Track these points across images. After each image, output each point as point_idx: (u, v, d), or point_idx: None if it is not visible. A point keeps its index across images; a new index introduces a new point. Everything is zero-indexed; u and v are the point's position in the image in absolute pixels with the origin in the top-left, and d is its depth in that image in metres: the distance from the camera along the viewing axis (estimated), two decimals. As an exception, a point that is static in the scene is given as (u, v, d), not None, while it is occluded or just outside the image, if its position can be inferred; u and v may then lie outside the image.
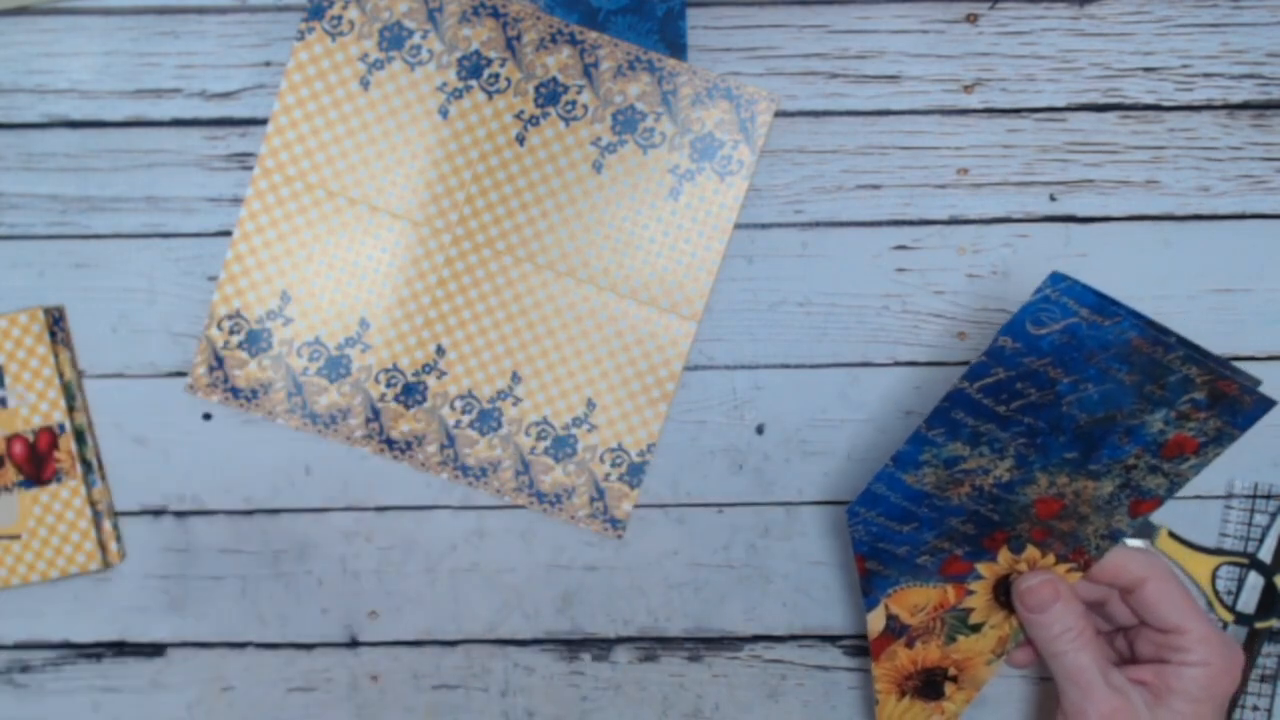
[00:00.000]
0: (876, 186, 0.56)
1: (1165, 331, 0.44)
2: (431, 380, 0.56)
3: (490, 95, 0.55)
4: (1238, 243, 0.56)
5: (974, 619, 0.52)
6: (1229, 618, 0.56)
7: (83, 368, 0.56)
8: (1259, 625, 0.55)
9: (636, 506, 0.56)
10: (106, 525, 0.55)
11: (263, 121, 0.55)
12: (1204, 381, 0.45)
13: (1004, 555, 0.51)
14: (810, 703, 0.57)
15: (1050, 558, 0.51)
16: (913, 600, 0.52)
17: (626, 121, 0.55)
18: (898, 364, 0.56)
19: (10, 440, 0.54)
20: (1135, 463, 0.48)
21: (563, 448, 0.56)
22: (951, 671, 0.53)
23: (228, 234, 0.56)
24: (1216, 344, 0.56)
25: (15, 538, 0.55)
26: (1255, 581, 0.56)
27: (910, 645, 0.53)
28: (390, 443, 0.56)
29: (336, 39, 0.55)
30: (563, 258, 0.55)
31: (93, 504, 0.55)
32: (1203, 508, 0.57)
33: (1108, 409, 0.46)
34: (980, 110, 0.55)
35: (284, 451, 0.56)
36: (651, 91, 0.54)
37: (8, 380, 0.54)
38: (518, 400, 0.55)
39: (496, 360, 0.55)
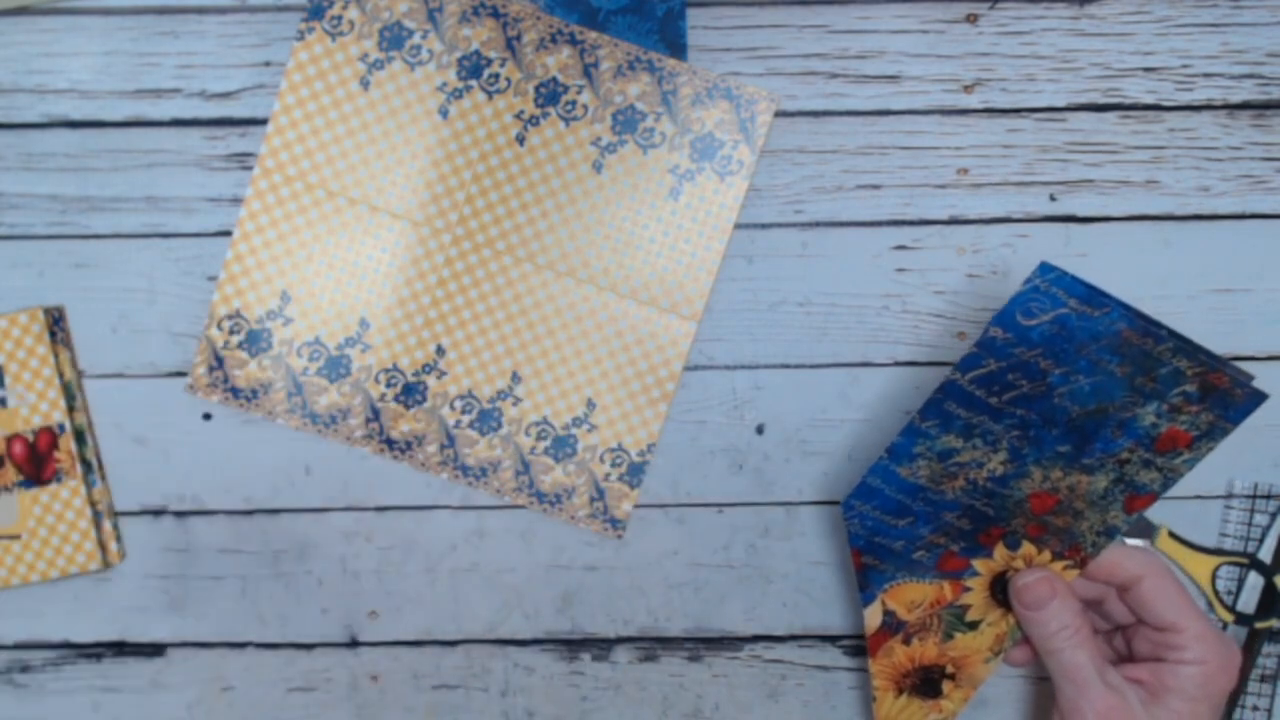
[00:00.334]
0: (876, 186, 0.56)
1: (1155, 323, 0.44)
2: (431, 380, 0.56)
3: (490, 95, 0.55)
4: (1238, 243, 0.56)
5: (971, 616, 0.52)
6: (1229, 618, 0.56)
7: (83, 368, 0.56)
8: (1259, 625, 0.55)
9: (636, 506, 0.56)
10: (106, 525, 0.55)
11: (263, 121, 0.55)
12: (1195, 374, 0.45)
13: (1000, 552, 0.51)
14: (810, 703, 0.57)
15: (1046, 554, 0.51)
16: (909, 596, 0.52)
17: (626, 121, 0.55)
18: (898, 364, 0.56)
19: (10, 440, 0.54)
20: (1129, 457, 0.48)
21: (563, 448, 0.56)
22: (949, 669, 0.53)
23: (228, 234, 0.56)
24: (1216, 344, 0.56)
25: (15, 538, 0.55)
26: (1255, 581, 0.56)
27: (907, 642, 0.53)
28: (390, 443, 0.56)
29: (336, 39, 0.55)
30: (563, 258, 0.55)
31: (93, 504, 0.55)
32: (1203, 508, 0.57)
33: (1099, 401, 0.46)
34: (980, 110, 0.55)
35: (284, 451, 0.56)
36: (651, 91, 0.54)
37: (8, 380, 0.54)
38: (518, 400, 0.55)
39: (496, 360, 0.55)
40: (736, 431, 0.56)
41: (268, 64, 0.55)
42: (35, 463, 0.54)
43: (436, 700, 0.57)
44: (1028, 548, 0.51)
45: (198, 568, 0.57)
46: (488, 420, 0.56)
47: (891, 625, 0.53)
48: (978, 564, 0.52)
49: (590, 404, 0.55)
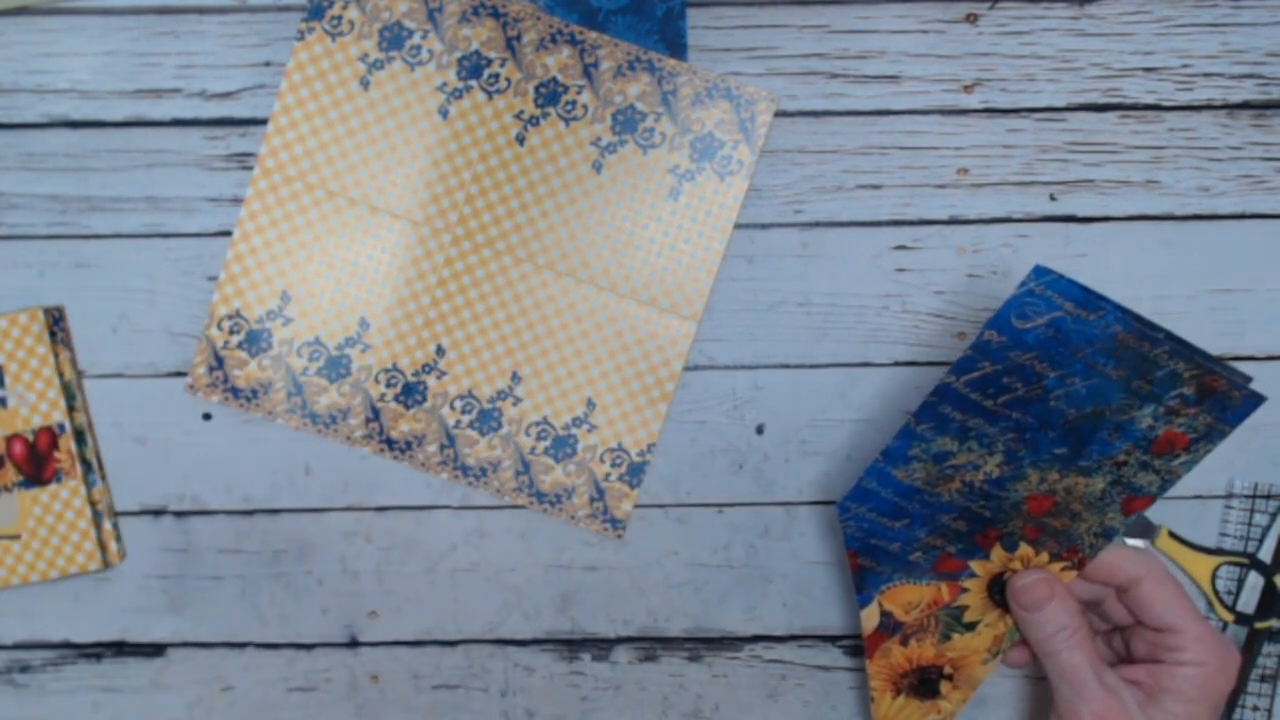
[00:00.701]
0: (876, 186, 0.56)
1: (1152, 326, 0.44)
2: (431, 380, 0.56)
3: (490, 95, 0.55)
4: (1238, 243, 0.56)
5: (968, 617, 0.52)
6: (1229, 618, 0.56)
7: (83, 368, 0.56)
8: (1259, 625, 0.55)
9: (636, 506, 0.56)
10: (106, 525, 0.55)
11: (263, 121, 0.55)
12: (1192, 376, 0.45)
13: (997, 553, 0.51)
14: (810, 703, 0.57)
15: (1044, 556, 0.51)
16: (906, 597, 0.52)
17: (626, 121, 0.55)
18: (897, 364, 0.56)
19: (10, 440, 0.54)
20: (1126, 459, 0.48)
21: (563, 448, 0.56)
22: (947, 670, 0.53)
23: (228, 234, 0.56)
24: (1216, 344, 0.56)
25: (15, 538, 0.55)
26: (1255, 581, 0.56)
27: (905, 643, 0.53)
28: (390, 443, 0.56)
29: (336, 39, 0.55)
30: (563, 258, 0.55)
31: (93, 504, 0.55)
32: (1203, 508, 0.57)
33: (1095, 404, 0.46)
34: (980, 110, 0.55)
35: (284, 451, 0.56)
36: (651, 91, 0.54)
37: (8, 380, 0.54)
38: (518, 400, 0.55)
39: (496, 360, 0.55)
40: (736, 431, 0.56)
41: (268, 64, 0.55)
42: (35, 463, 0.54)
43: (436, 700, 0.57)
44: (1025, 549, 0.51)
45: (198, 568, 0.57)
46: (488, 420, 0.56)
47: (889, 626, 0.53)
48: (975, 565, 0.52)
49: (590, 404, 0.55)
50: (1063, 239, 0.56)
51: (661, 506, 0.57)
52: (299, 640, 0.57)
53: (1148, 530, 0.56)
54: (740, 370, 0.56)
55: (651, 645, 0.57)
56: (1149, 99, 0.55)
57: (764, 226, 0.56)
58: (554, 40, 0.54)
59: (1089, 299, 0.44)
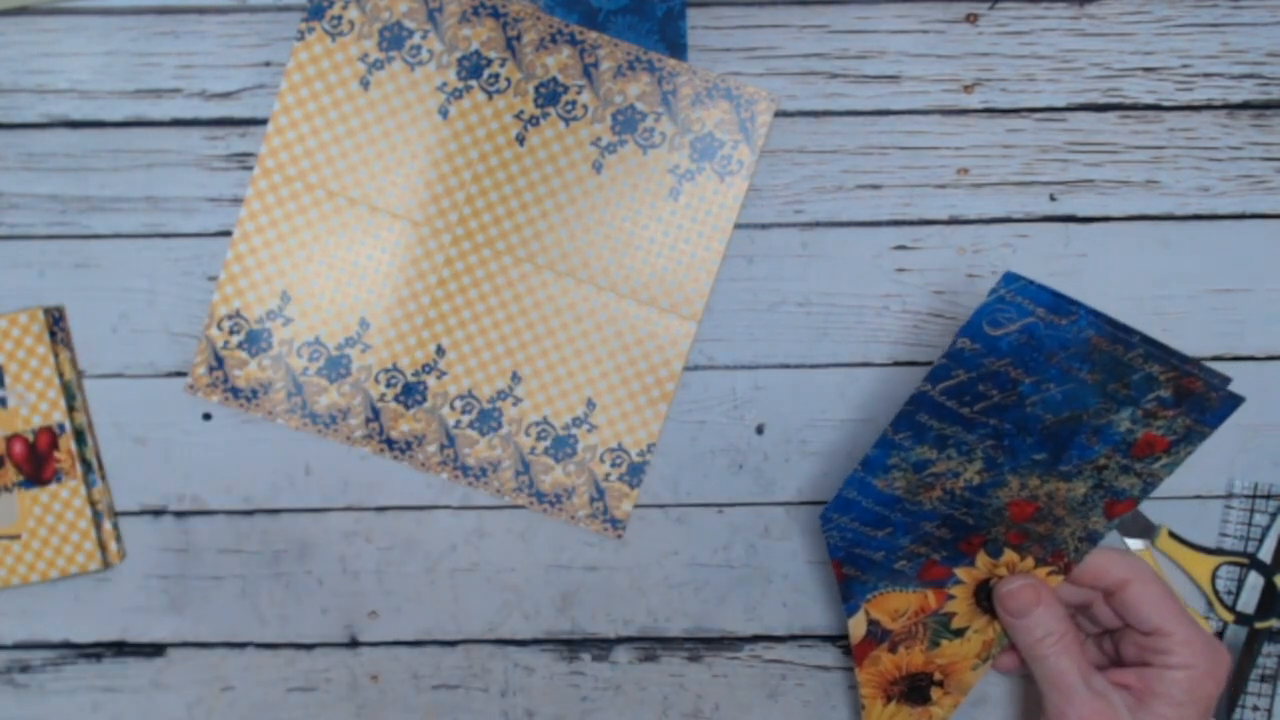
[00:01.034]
0: (876, 186, 0.56)
1: (1125, 329, 0.44)
2: (431, 380, 0.56)
3: (490, 95, 0.55)
4: (1238, 243, 0.56)
5: (956, 624, 0.52)
6: (1229, 618, 0.56)
7: (83, 368, 0.56)
8: (1259, 625, 0.55)
9: (636, 506, 0.56)
10: (106, 525, 0.55)
11: (263, 121, 0.55)
12: (1168, 379, 0.45)
13: (982, 559, 0.51)
14: (810, 703, 0.57)
15: (1029, 561, 0.51)
16: (893, 605, 0.52)
17: (626, 121, 0.55)
18: (898, 364, 0.56)
19: (10, 440, 0.54)
20: (1106, 463, 0.47)
21: (563, 448, 0.56)
22: (937, 676, 0.53)
23: (228, 234, 0.56)
24: (1216, 344, 0.56)
25: (15, 538, 0.55)
26: (1255, 581, 0.56)
27: (894, 650, 0.53)
28: (390, 443, 0.56)
29: (336, 39, 0.55)
30: (563, 258, 0.55)
31: (93, 504, 0.55)
32: (1203, 508, 0.57)
33: (1072, 409, 0.46)
34: (980, 110, 0.55)
35: (284, 451, 0.56)
36: (651, 91, 0.54)
37: (8, 380, 0.54)
38: (518, 400, 0.55)
39: (496, 360, 0.55)
40: (736, 431, 0.56)
41: (268, 64, 0.55)
42: (35, 463, 0.54)
43: (436, 700, 0.57)
44: (1010, 555, 0.51)
45: (198, 568, 0.57)
46: (488, 420, 0.56)
47: (876, 634, 0.53)
48: (960, 572, 0.52)
49: (590, 404, 0.55)
50: (1063, 239, 0.56)
51: (661, 506, 0.57)
52: (299, 640, 0.57)
53: (1148, 530, 0.56)
54: (740, 370, 0.56)
55: (651, 645, 0.57)
56: (1149, 99, 0.55)
57: (764, 226, 0.56)
58: (554, 40, 0.54)
59: (1060, 304, 0.44)
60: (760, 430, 0.56)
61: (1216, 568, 0.56)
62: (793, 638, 0.57)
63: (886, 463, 0.49)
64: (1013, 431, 0.47)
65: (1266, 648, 0.56)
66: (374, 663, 0.57)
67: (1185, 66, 0.55)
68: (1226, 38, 0.55)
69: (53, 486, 0.54)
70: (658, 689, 0.57)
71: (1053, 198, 0.56)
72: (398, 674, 0.57)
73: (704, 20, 0.55)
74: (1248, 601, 0.56)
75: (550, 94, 0.55)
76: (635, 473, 0.56)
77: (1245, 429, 0.56)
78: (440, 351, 0.55)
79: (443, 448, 0.56)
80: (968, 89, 0.55)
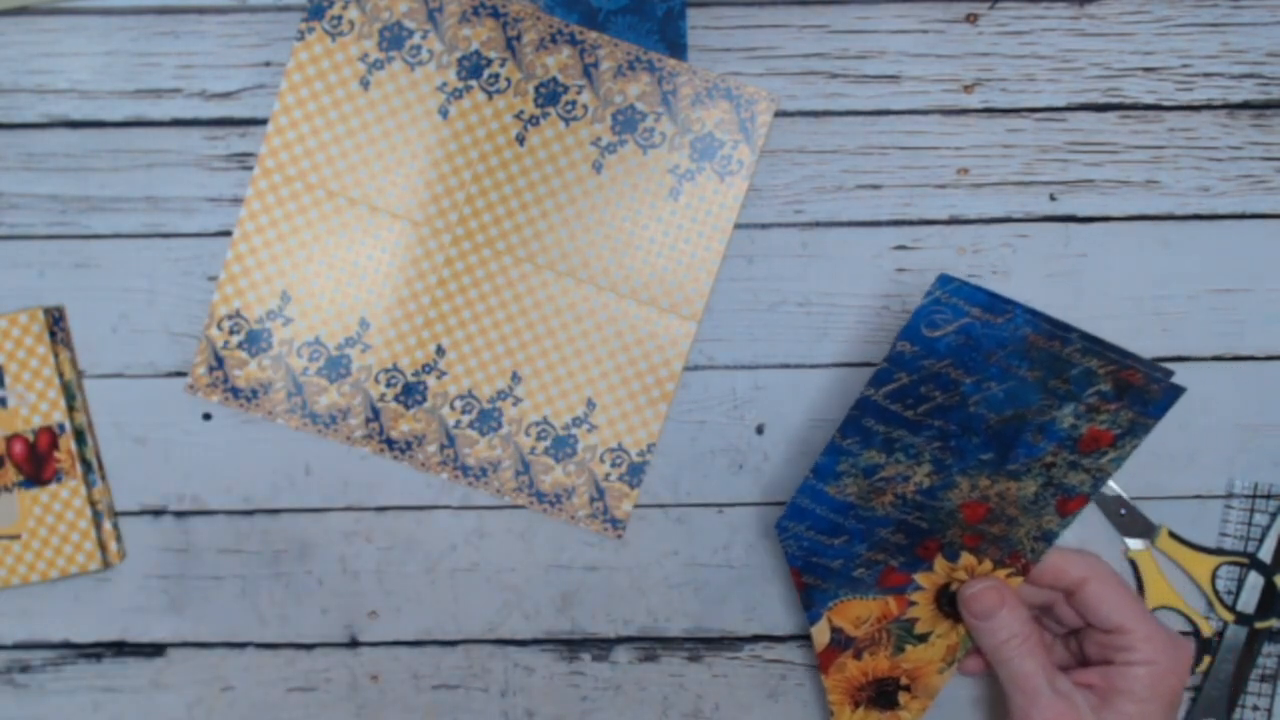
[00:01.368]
0: (876, 186, 0.56)
1: (1063, 326, 0.44)
2: (431, 380, 0.56)
3: (490, 95, 0.55)
4: (1238, 243, 0.56)
5: (919, 629, 0.53)
6: (1229, 618, 0.56)
7: (83, 368, 0.56)
8: (1259, 625, 0.55)
9: (636, 506, 0.56)
10: (106, 525, 0.55)
11: (263, 121, 0.55)
12: (1107, 373, 0.45)
13: (940, 564, 0.51)
14: (810, 703, 0.57)
15: (987, 564, 0.51)
16: (855, 613, 0.52)
17: (626, 121, 0.55)
18: (898, 364, 0.56)
19: (10, 440, 0.54)
20: (1054, 460, 0.48)
21: (563, 448, 0.56)
22: (904, 681, 0.53)
23: (228, 234, 0.56)
24: (1216, 344, 0.56)
25: (15, 538, 0.55)
26: (1255, 581, 0.56)
27: (859, 657, 0.53)
28: (390, 443, 0.56)
29: (336, 39, 0.55)
30: (563, 258, 0.55)
31: (93, 504, 0.55)
32: (1203, 508, 0.57)
33: (1015, 407, 0.46)
34: (980, 110, 0.55)
35: (284, 451, 0.56)
36: (651, 91, 0.54)
37: (8, 380, 0.54)
38: (518, 400, 0.55)
39: (496, 360, 0.55)
40: (736, 431, 0.56)
41: (268, 64, 0.55)
42: (35, 463, 0.54)
43: (436, 700, 0.57)
44: (968, 558, 0.51)
45: (198, 568, 0.57)
46: (488, 420, 0.56)
47: (840, 642, 0.53)
48: (920, 578, 0.52)
49: (590, 404, 0.55)
50: (1063, 239, 0.56)
51: (661, 506, 0.57)
52: (299, 640, 0.57)
53: (1148, 530, 0.56)
54: (740, 370, 0.56)
55: (651, 645, 0.57)
56: (1149, 99, 0.55)
57: (764, 226, 0.56)
58: (554, 40, 0.54)
59: (995, 303, 0.44)
60: (760, 430, 0.56)
61: (1216, 568, 0.56)
62: (793, 638, 0.57)
63: (836, 469, 0.49)
64: (958, 432, 0.47)
65: (1266, 648, 0.56)
66: (374, 663, 0.57)
67: (1185, 66, 0.55)
68: (1226, 38, 0.55)
69: (53, 486, 0.54)
70: (658, 689, 0.57)
71: (1053, 198, 0.56)
72: (398, 674, 0.57)
73: (704, 20, 0.55)
74: (1248, 601, 0.56)
75: (550, 94, 0.55)
76: (635, 473, 0.56)
77: (1245, 429, 0.56)
78: (440, 351, 0.55)
79: (443, 448, 0.56)
80: (968, 89, 0.55)
